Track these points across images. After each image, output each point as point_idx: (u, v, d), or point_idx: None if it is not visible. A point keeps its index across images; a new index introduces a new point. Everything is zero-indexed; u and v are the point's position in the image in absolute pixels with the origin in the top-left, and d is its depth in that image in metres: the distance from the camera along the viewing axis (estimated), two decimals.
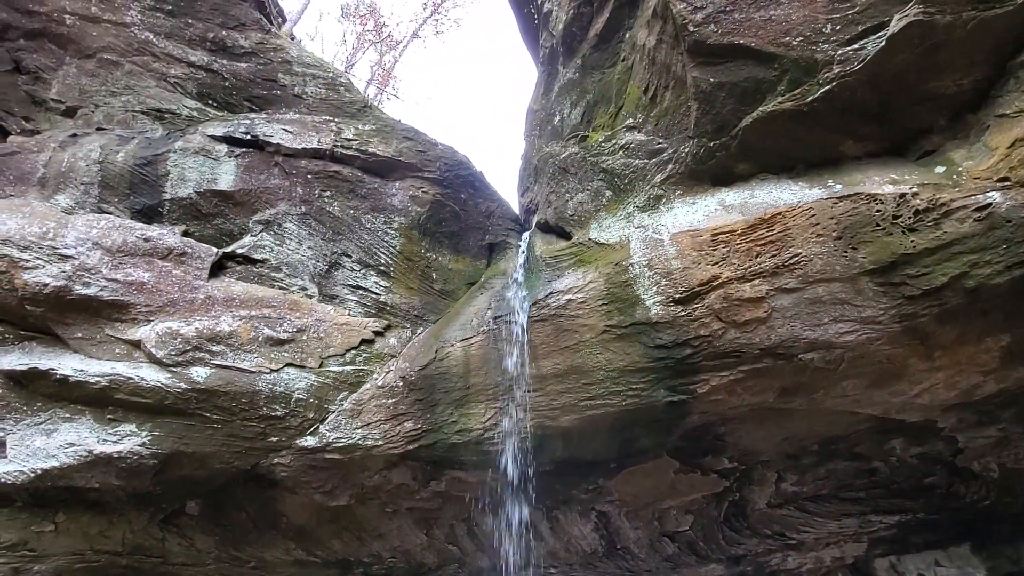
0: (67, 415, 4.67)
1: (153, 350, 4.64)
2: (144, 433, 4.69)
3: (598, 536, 6.90)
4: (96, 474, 4.64)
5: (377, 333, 5.50)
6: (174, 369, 4.71)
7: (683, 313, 4.64)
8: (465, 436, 5.31)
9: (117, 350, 4.74)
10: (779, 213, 4.42)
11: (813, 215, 4.30)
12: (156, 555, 5.43)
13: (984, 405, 5.14)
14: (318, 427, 5.15)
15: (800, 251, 4.30)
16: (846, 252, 4.22)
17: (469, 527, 6.58)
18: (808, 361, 4.51)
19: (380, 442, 5.20)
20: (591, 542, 6.90)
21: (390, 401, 5.22)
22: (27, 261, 4.62)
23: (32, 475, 4.46)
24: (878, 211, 4.17)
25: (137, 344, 4.70)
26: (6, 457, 4.53)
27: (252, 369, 4.92)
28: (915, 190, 4.15)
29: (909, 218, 4.12)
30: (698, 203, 4.81)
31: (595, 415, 5.14)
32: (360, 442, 5.17)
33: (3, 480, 4.43)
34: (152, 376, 4.63)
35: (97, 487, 4.72)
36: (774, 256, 4.37)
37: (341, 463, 5.27)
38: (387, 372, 5.32)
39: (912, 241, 4.12)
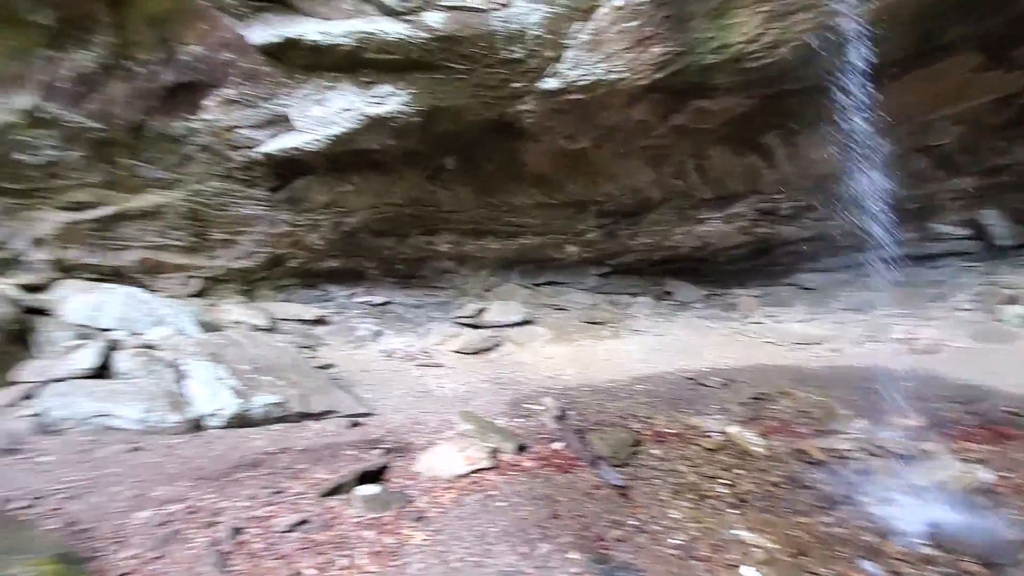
0: (327, 83, 4.82)
1: None
2: (402, 92, 4.77)
3: (834, 161, 6.52)
4: (374, 136, 5.03)
5: None
6: (409, 18, 4.41)
7: None
8: (723, 54, 4.67)
9: (344, 6, 4.47)
10: None
11: None
12: (431, 204, 6.29)
13: None
14: (556, 67, 4.82)
15: None
16: None
17: (698, 162, 6.55)
18: None
19: (625, 74, 4.80)
20: (826, 167, 6.58)
21: (633, 24, 4.56)
22: None
23: (327, 142, 4.95)
24: None
25: None
26: (296, 129, 4.99)
27: (482, 6, 4.44)
28: None
29: None
30: None
31: None
32: (603, 77, 4.82)
33: (307, 148, 4.99)
34: (392, 28, 4.40)
35: (377, 148, 5.19)
36: None
37: (583, 103, 5.10)
38: None
39: None
